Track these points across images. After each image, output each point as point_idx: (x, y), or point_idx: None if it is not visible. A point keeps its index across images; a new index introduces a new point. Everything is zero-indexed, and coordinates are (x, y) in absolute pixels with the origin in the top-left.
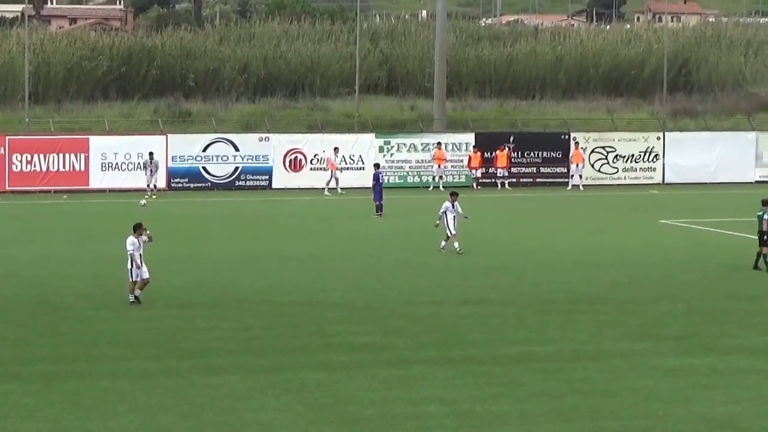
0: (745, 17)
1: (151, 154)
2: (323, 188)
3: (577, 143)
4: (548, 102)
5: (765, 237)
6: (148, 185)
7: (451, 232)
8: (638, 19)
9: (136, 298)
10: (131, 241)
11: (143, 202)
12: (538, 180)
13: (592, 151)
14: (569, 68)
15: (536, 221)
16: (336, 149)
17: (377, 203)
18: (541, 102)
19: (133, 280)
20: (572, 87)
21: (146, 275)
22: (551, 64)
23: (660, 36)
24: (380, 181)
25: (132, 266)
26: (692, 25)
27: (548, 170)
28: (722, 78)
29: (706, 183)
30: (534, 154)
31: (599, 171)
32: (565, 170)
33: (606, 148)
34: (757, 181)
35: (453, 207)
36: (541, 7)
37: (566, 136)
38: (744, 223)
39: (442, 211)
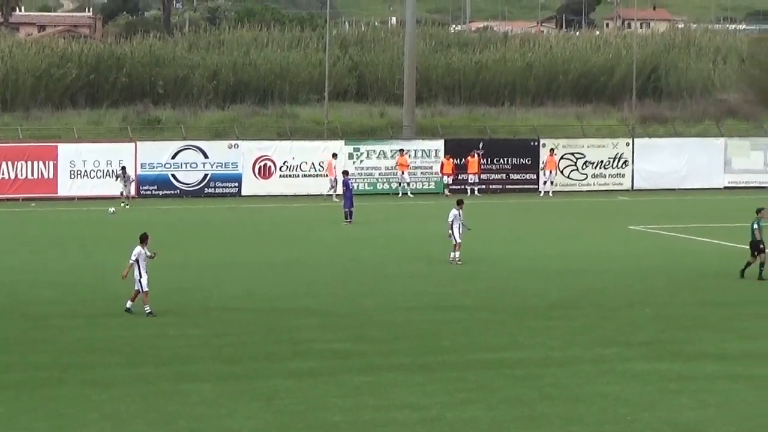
0: (713, 24)
1: (123, 168)
2: (330, 195)
3: (551, 150)
4: (517, 108)
5: (761, 246)
6: (122, 194)
7: (456, 240)
8: (607, 25)
9: (150, 311)
10: (137, 250)
11: (112, 209)
12: (507, 186)
13: (562, 158)
14: (538, 75)
15: (506, 228)
16: (334, 155)
17: (346, 210)
18: (510, 108)
19: (144, 290)
20: (542, 93)
21: (146, 288)
22: (521, 70)
23: (629, 42)
24: (350, 187)
25: (138, 276)
26: (661, 32)
27: (518, 177)
28: (691, 84)
29: (675, 189)
30: (503, 160)
31: (568, 177)
32: (535, 177)
33: (575, 155)
34: (725, 187)
35: (459, 215)
36: (511, 14)
37: (536, 143)
38: (714, 229)
39: (450, 219)
